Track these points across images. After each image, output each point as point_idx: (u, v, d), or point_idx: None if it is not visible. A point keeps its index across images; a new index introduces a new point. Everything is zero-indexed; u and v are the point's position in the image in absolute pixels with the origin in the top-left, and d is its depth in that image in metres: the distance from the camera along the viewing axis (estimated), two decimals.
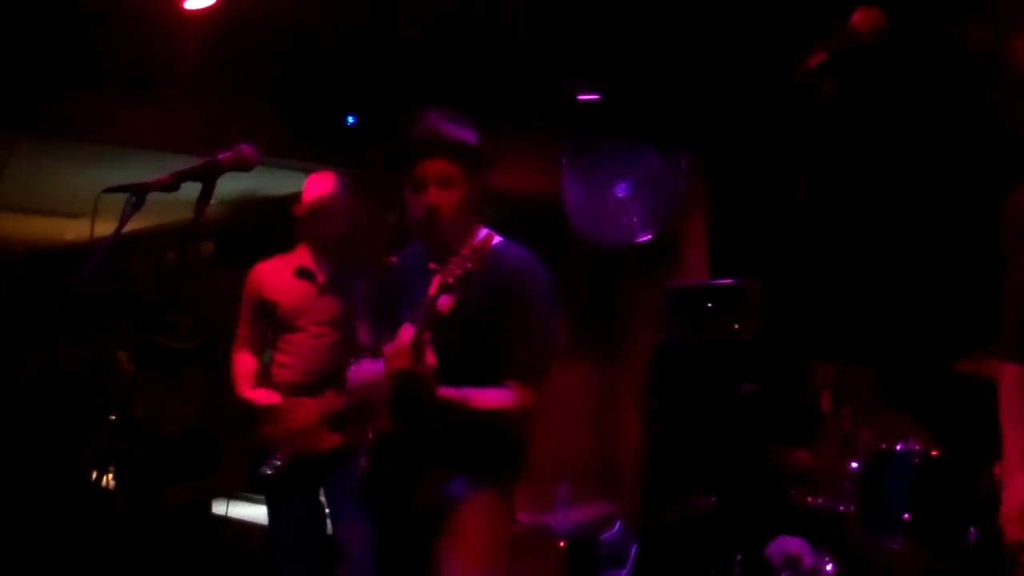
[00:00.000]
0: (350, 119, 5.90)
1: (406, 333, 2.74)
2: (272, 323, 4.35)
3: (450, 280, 2.65)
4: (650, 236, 6.00)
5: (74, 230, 9.13)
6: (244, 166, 2.41)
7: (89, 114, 5.23)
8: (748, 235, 5.58)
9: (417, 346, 2.64)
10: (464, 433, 2.80)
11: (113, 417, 5.63)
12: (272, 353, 4.40)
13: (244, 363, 4.37)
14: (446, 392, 2.68)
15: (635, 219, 6.02)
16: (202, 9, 4.66)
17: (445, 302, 2.72)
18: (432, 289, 2.72)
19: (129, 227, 2.30)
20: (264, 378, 4.34)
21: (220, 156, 2.41)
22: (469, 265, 2.65)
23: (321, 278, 4.30)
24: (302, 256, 4.35)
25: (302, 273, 4.32)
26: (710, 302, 5.54)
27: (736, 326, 5.42)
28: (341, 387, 3.91)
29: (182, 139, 5.33)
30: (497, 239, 2.86)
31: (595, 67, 5.60)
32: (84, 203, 7.10)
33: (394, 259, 3.20)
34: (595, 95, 5.87)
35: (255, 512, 6.20)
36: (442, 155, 2.79)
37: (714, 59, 5.27)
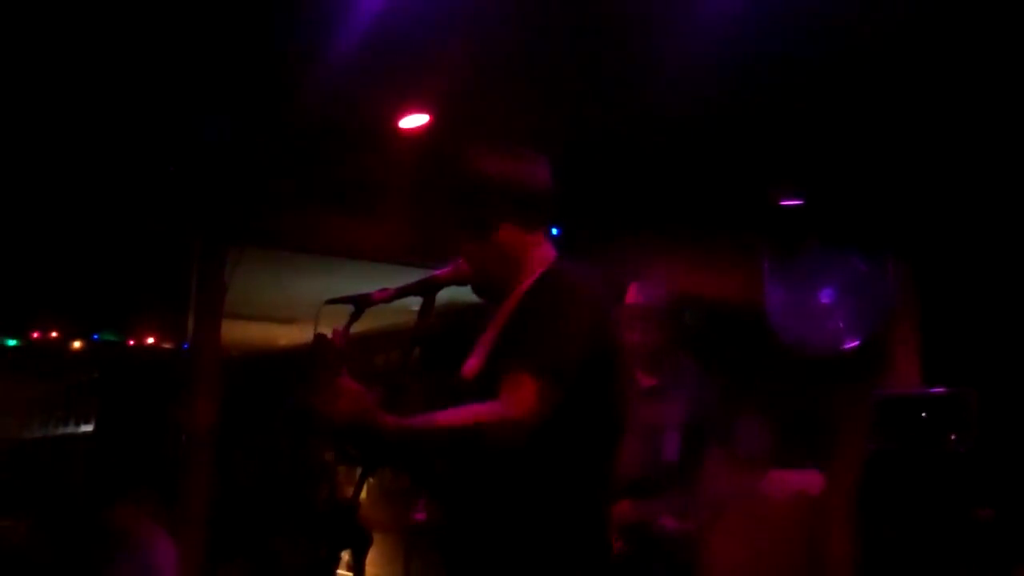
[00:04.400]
0: (554, 230, 6.01)
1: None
2: None
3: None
4: (857, 342, 5.85)
5: (288, 335, 9.53)
6: (462, 282, 2.44)
7: (308, 227, 5.52)
8: (963, 341, 5.38)
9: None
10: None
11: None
12: None
13: None
14: (396, 419, 2.00)
15: (841, 324, 5.89)
16: (416, 127, 4.88)
17: (473, 364, 2.35)
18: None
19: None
20: None
21: (439, 272, 2.42)
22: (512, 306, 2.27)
23: (644, 383, 4.00)
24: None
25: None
26: (924, 411, 5.34)
27: (952, 437, 5.20)
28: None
29: (394, 251, 5.56)
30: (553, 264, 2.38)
31: (798, 172, 5.56)
32: (298, 309, 7.46)
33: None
34: (798, 200, 5.82)
35: None
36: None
37: (918, 162, 5.15)
